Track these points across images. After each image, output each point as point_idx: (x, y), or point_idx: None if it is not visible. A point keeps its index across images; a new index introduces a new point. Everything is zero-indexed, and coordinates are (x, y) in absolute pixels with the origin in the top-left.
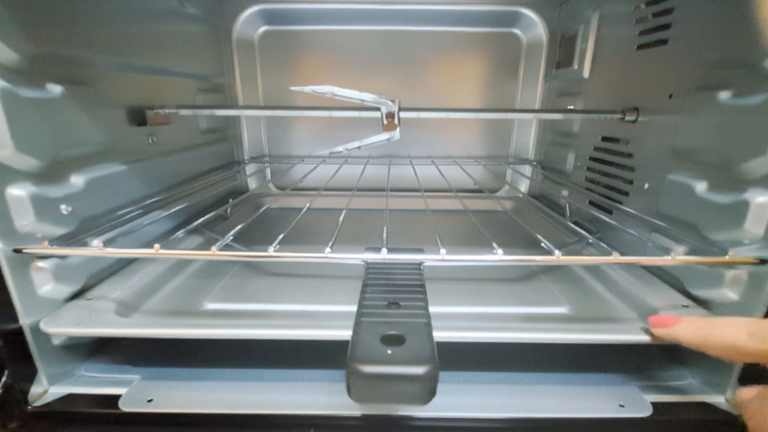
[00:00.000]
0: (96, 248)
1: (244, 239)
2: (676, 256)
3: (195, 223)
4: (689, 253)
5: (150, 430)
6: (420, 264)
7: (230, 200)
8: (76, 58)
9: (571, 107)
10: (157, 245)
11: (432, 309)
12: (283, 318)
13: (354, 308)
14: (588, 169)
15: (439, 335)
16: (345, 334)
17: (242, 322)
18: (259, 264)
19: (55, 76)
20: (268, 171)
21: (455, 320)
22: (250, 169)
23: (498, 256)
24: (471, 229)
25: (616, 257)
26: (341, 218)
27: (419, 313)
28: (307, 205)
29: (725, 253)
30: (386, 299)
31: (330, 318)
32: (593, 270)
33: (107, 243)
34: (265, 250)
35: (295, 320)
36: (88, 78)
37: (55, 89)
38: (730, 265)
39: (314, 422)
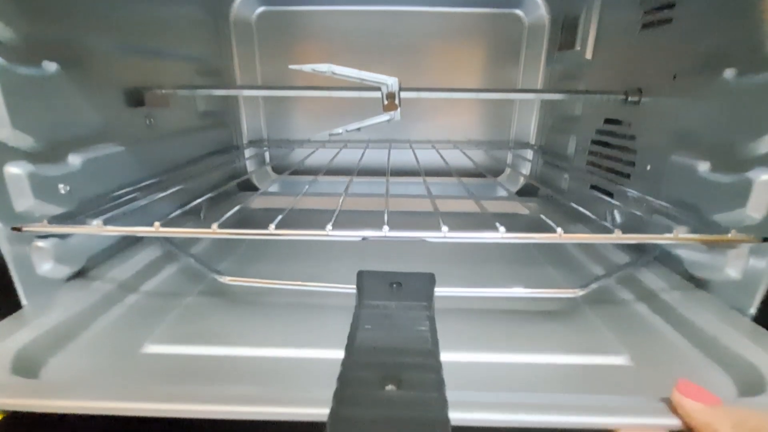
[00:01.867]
0: (95, 226)
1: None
2: (679, 234)
3: (189, 206)
4: (691, 232)
5: (148, 427)
6: (429, 318)
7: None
8: (71, 38)
9: None
10: (157, 223)
11: (444, 357)
12: (243, 369)
13: (339, 355)
14: (590, 152)
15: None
16: (320, 413)
17: (177, 391)
18: (224, 288)
19: (51, 55)
20: (266, 155)
21: (474, 377)
22: (248, 153)
23: (500, 234)
24: (474, 217)
25: (618, 235)
26: (341, 200)
27: (430, 398)
28: (306, 187)
29: (728, 232)
30: (382, 375)
31: (310, 368)
32: (650, 301)
33: (106, 223)
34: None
35: (260, 374)
36: (84, 57)
37: (51, 67)
38: (732, 243)
39: None
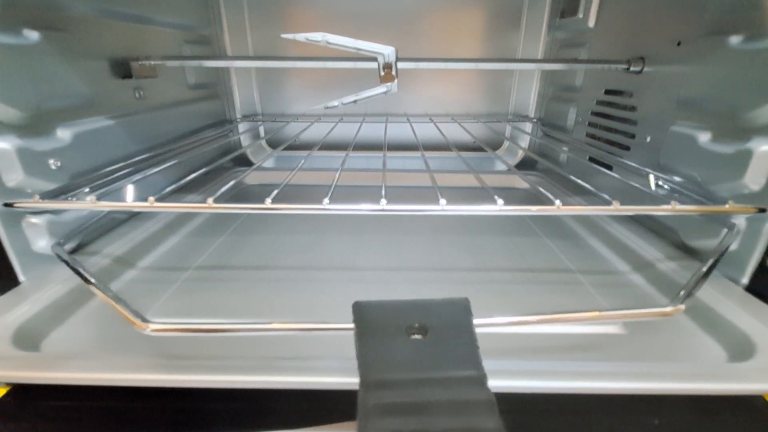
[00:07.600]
0: (88, 202)
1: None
2: (676, 206)
3: (184, 181)
4: (689, 203)
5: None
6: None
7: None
8: (51, 3)
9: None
10: (151, 198)
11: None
12: (242, 342)
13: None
14: (589, 124)
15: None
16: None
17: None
18: (223, 263)
19: (31, 22)
20: (261, 129)
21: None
22: (242, 127)
23: (498, 206)
24: (473, 190)
25: (616, 206)
26: (337, 175)
27: None
28: (302, 161)
29: (725, 202)
30: None
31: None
32: (646, 271)
33: (100, 198)
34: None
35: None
36: (67, 25)
37: (32, 35)
38: (729, 214)
39: None
